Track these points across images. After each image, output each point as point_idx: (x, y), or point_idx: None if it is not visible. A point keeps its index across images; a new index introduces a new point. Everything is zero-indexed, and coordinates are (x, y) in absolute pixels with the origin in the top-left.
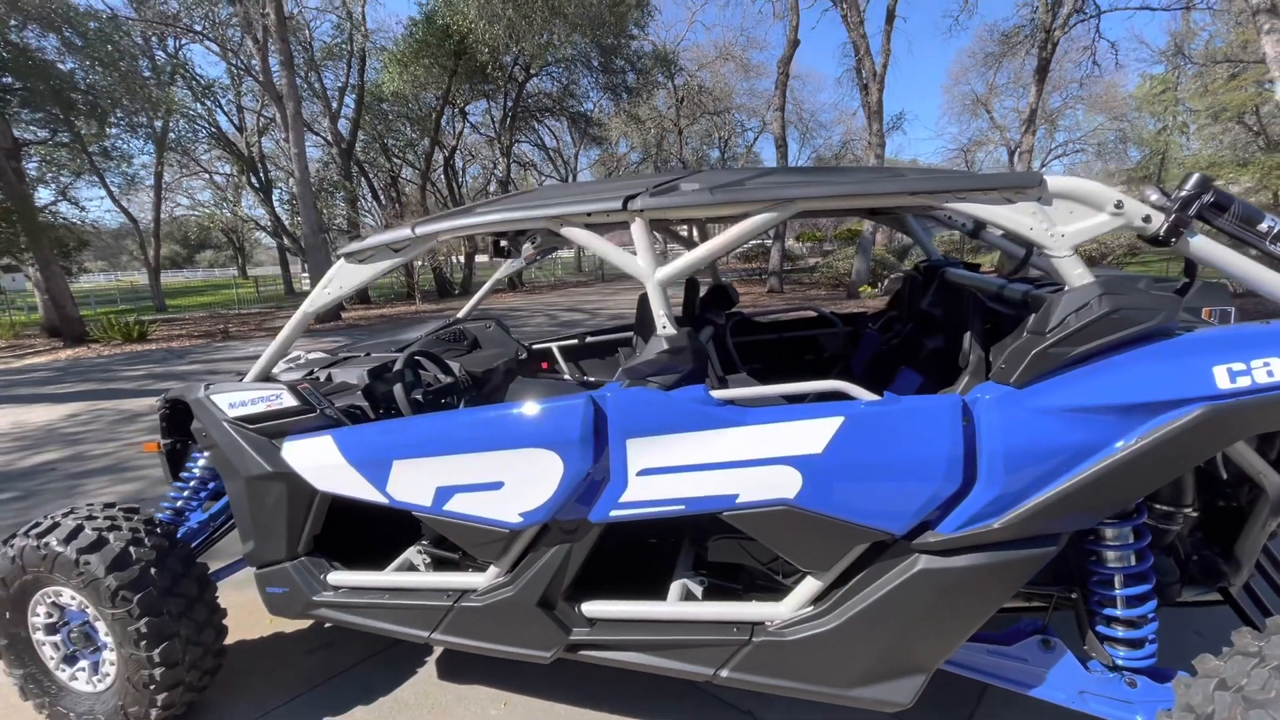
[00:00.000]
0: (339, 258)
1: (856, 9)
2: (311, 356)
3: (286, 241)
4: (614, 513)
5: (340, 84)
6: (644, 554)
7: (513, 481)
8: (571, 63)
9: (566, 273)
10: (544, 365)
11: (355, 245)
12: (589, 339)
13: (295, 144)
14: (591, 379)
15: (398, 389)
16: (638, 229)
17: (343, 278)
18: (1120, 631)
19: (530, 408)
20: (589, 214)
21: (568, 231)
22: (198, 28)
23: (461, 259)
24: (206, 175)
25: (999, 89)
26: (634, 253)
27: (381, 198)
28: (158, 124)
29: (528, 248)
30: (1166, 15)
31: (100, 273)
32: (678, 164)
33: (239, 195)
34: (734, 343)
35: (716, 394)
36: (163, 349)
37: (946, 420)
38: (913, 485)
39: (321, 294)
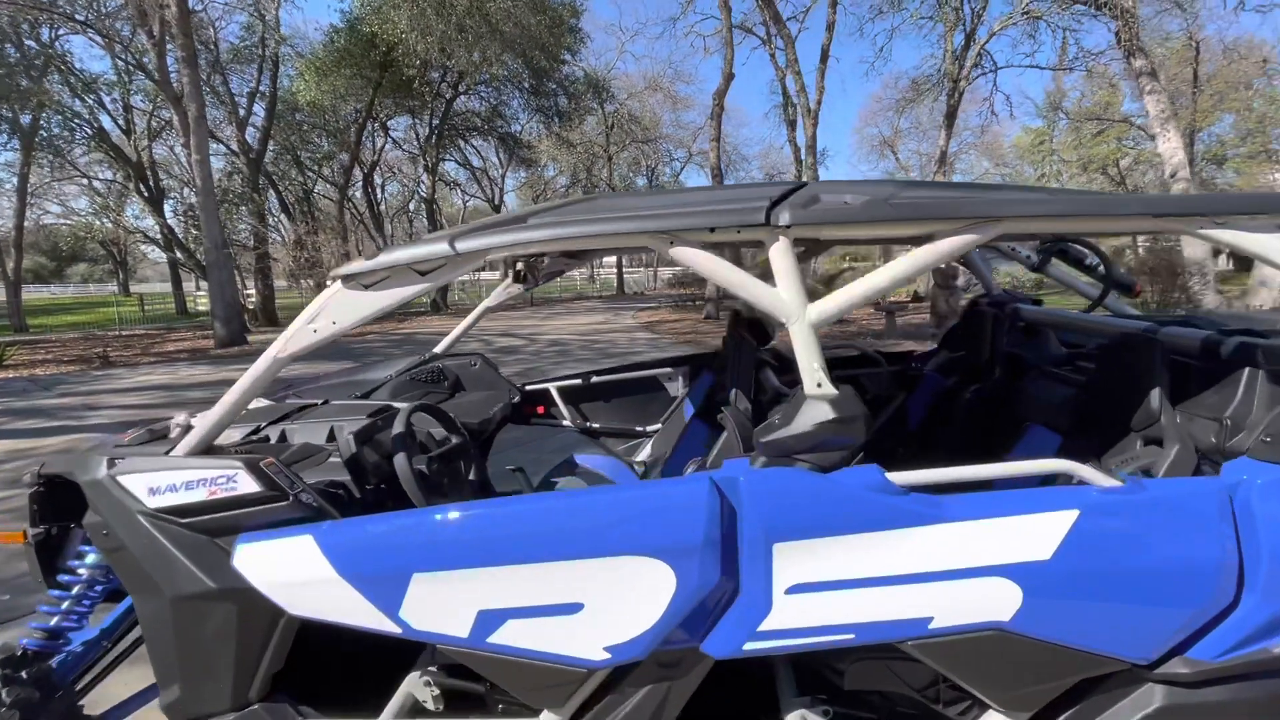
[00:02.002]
0: (333, 280)
1: (792, 47)
2: (253, 406)
3: (180, 256)
4: (750, 645)
5: (249, 90)
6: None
7: (597, 602)
8: (503, 83)
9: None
10: (539, 409)
11: (359, 264)
12: (594, 379)
13: (197, 150)
14: (595, 425)
15: (402, 461)
16: (780, 252)
17: (339, 309)
18: None
19: (622, 496)
20: (712, 229)
21: (680, 252)
22: (79, 16)
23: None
24: (84, 180)
25: (903, 132)
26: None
27: (292, 211)
28: (24, 118)
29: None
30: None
31: None
32: (607, 189)
33: (122, 204)
34: None
35: (898, 478)
36: (24, 378)
37: (1213, 512)
38: (1170, 598)
39: (305, 331)
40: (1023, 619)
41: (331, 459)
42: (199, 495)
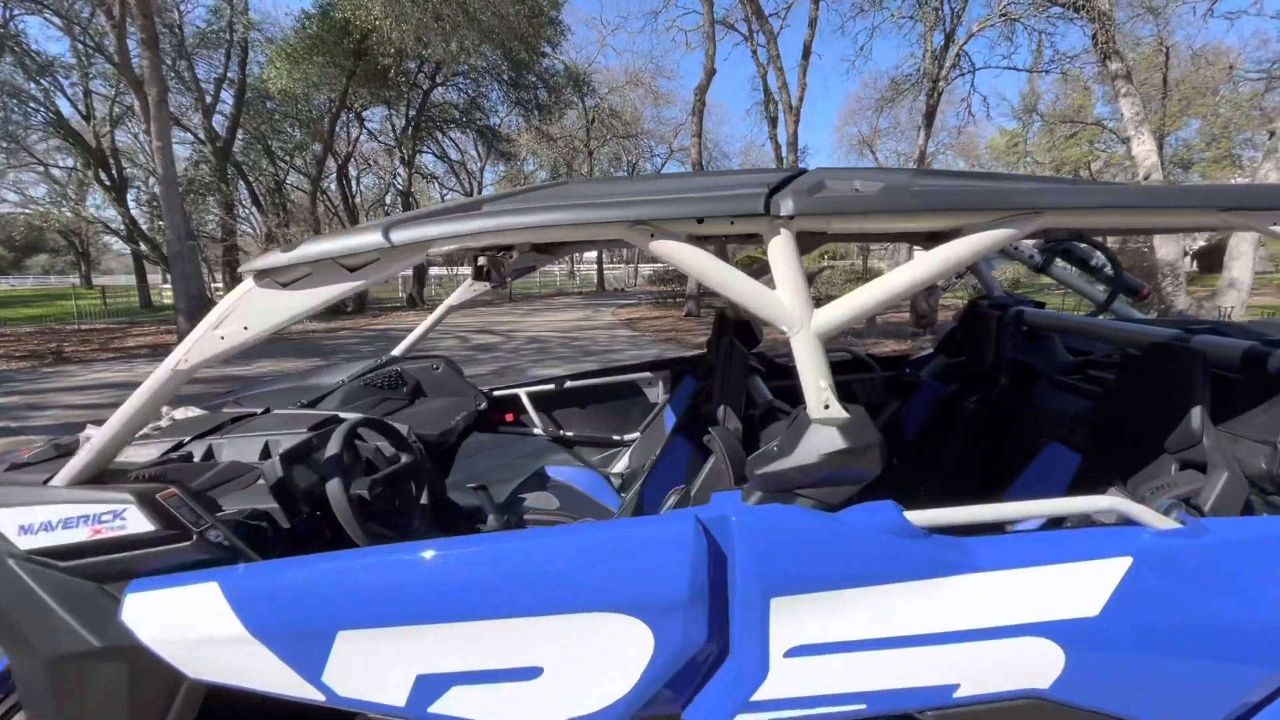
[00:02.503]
0: (243, 276)
1: (774, 43)
2: (182, 416)
3: (144, 247)
4: (742, 717)
5: (217, 76)
6: None
7: (559, 666)
8: (481, 74)
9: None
10: (508, 417)
11: (275, 257)
12: (568, 384)
13: (159, 136)
14: (569, 434)
15: (335, 489)
16: (782, 247)
17: (251, 311)
18: None
19: (590, 539)
20: (700, 219)
21: (662, 247)
22: None
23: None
24: (41, 168)
25: (882, 132)
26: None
27: (263, 203)
28: None
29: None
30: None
31: None
32: None
33: (83, 193)
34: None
35: (918, 518)
36: None
37: None
38: (1240, 660)
39: (210, 338)
40: (1065, 685)
41: (260, 482)
42: (80, 535)
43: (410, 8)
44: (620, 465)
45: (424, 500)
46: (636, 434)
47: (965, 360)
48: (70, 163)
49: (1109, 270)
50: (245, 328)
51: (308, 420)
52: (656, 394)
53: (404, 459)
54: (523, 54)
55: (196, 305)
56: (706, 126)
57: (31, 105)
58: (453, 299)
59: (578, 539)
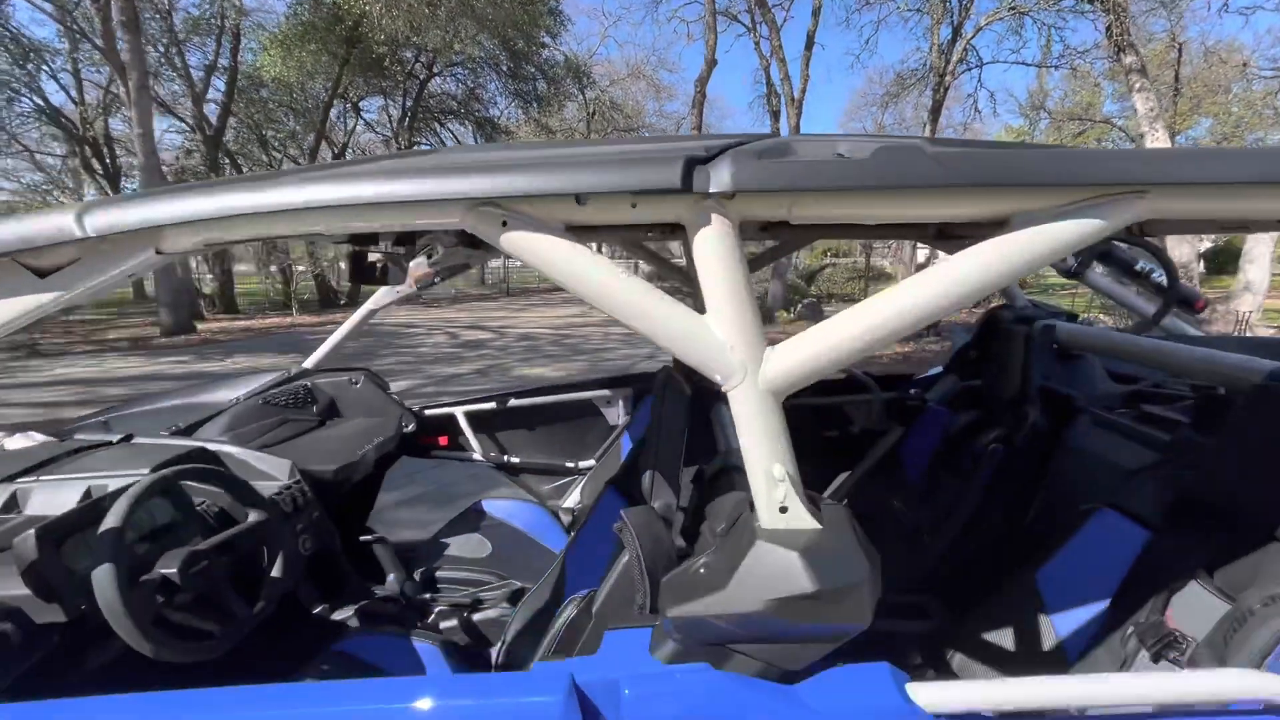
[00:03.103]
0: None
1: (776, 33)
2: (17, 445)
3: None
4: None
5: (208, 63)
6: None
7: None
8: (479, 64)
9: (468, 284)
10: (442, 440)
11: None
12: (512, 402)
13: (140, 123)
14: (515, 460)
15: (103, 579)
16: (713, 242)
17: None
18: None
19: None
20: (581, 198)
21: (518, 240)
22: None
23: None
24: (30, 156)
25: (887, 128)
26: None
27: None
28: None
29: (419, 263)
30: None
31: None
32: None
33: (79, 181)
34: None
35: (928, 696)
36: None
37: None
38: None
39: None
40: None
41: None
42: None
43: None
44: (573, 499)
45: (278, 571)
46: (592, 461)
47: (982, 384)
48: (61, 151)
49: (1158, 276)
50: None
51: (160, 454)
52: (615, 415)
53: (251, 517)
54: (521, 44)
55: (180, 298)
56: (709, 121)
57: (16, 91)
58: (372, 302)
59: (389, 702)
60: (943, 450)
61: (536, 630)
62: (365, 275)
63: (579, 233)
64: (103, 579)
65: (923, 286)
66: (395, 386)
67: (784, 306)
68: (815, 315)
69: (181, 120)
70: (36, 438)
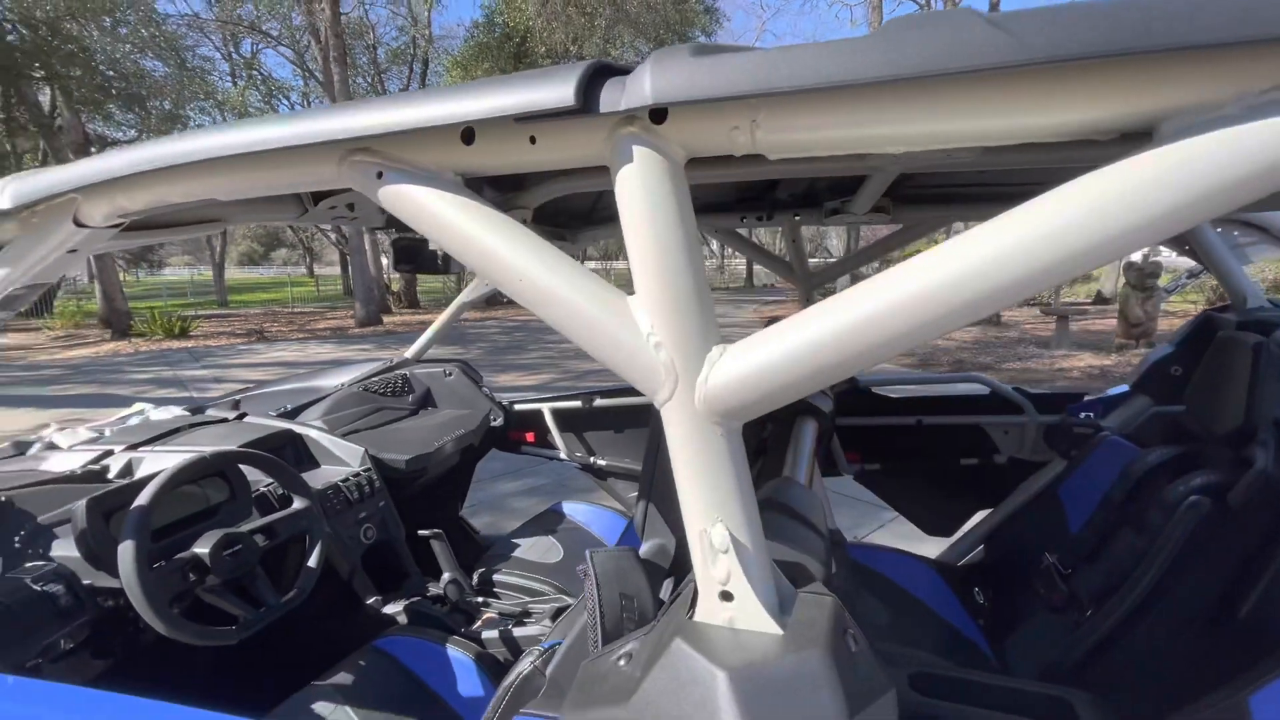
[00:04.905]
0: None
1: (953, 3)
2: (160, 417)
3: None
4: None
5: (403, 87)
6: None
7: None
8: None
9: (620, 281)
10: (529, 436)
11: None
12: (598, 402)
13: None
14: (601, 463)
15: (126, 555)
16: (638, 180)
17: None
18: None
19: None
20: (467, 131)
21: (400, 194)
22: (273, 32)
23: None
24: None
25: None
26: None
27: None
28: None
29: None
30: None
31: (185, 266)
32: None
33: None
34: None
35: None
36: (186, 349)
37: None
38: None
39: None
40: None
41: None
42: None
43: (562, 6)
44: None
45: (313, 561)
46: None
47: (1186, 412)
48: None
49: None
50: None
51: (253, 432)
52: None
53: (295, 504)
54: (675, 44)
55: (370, 294)
56: None
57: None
58: (465, 295)
59: None
60: (1120, 495)
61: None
62: (421, 264)
63: (481, 190)
64: (125, 553)
65: (980, 248)
66: (535, 380)
67: None
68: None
69: None
70: (83, 433)
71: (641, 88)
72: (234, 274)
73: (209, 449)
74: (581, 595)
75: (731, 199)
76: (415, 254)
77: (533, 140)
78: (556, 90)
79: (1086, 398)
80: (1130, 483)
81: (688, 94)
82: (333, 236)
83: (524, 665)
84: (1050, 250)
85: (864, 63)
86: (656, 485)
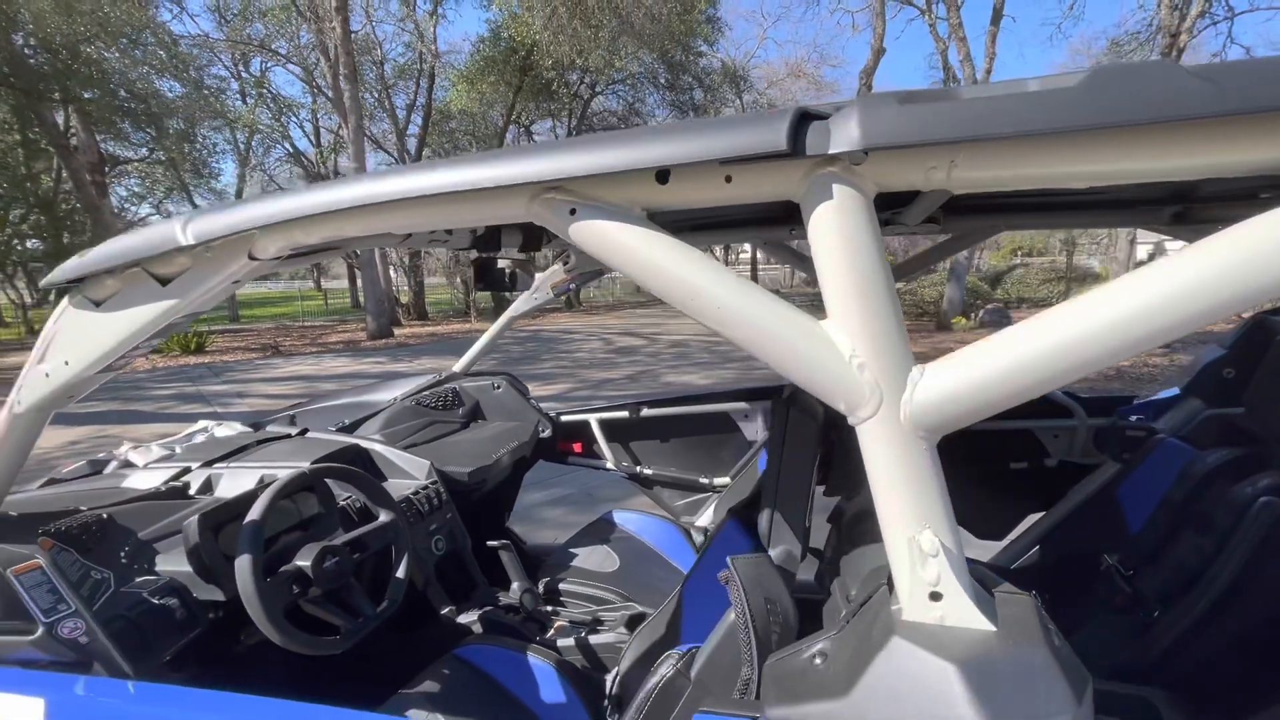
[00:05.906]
0: (50, 292)
1: (956, 12)
2: (225, 434)
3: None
4: None
5: (407, 102)
6: None
7: None
8: (638, 80)
9: (625, 292)
10: (576, 447)
11: (70, 265)
12: (645, 412)
13: (355, 158)
14: (648, 472)
15: (244, 568)
16: (837, 223)
17: (70, 341)
18: None
19: None
20: (663, 174)
21: (592, 230)
22: (282, 51)
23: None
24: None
25: None
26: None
27: None
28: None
29: (555, 269)
30: None
31: None
32: None
33: None
34: None
35: None
36: (205, 364)
37: None
38: None
39: (35, 375)
40: None
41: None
42: None
43: (566, 20)
44: (706, 517)
45: (401, 572)
46: (728, 479)
47: (1245, 414)
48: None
49: None
50: (66, 362)
51: (322, 449)
52: (754, 430)
53: (381, 517)
54: (678, 55)
55: (381, 306)
56: None
57: (272, 138)
58: (513, 309)
59: None
60: (1180, 497)
61: (648, 665)
62: (493, 282)
63: (688, 234)
64: (243, 568)
65: (1169, 277)
66: (552, 389)
67: (962, 313)
68: (1002, 323)
69: (388, 153)
70: (155, 450)
71: (849, 133)
72: (243, 289)
73: (306, 464)
74: (665, 602)
75: (780, 213)
76: (486, 273)
77: (728, 179)
78: (767, 135)
79: (1137, 400)
80: (1190, 484)
81: (894, 139)
82: None
83: (665, 669)
84: (1256, 273)
85: (1070, 112)
86: (781, 494)
